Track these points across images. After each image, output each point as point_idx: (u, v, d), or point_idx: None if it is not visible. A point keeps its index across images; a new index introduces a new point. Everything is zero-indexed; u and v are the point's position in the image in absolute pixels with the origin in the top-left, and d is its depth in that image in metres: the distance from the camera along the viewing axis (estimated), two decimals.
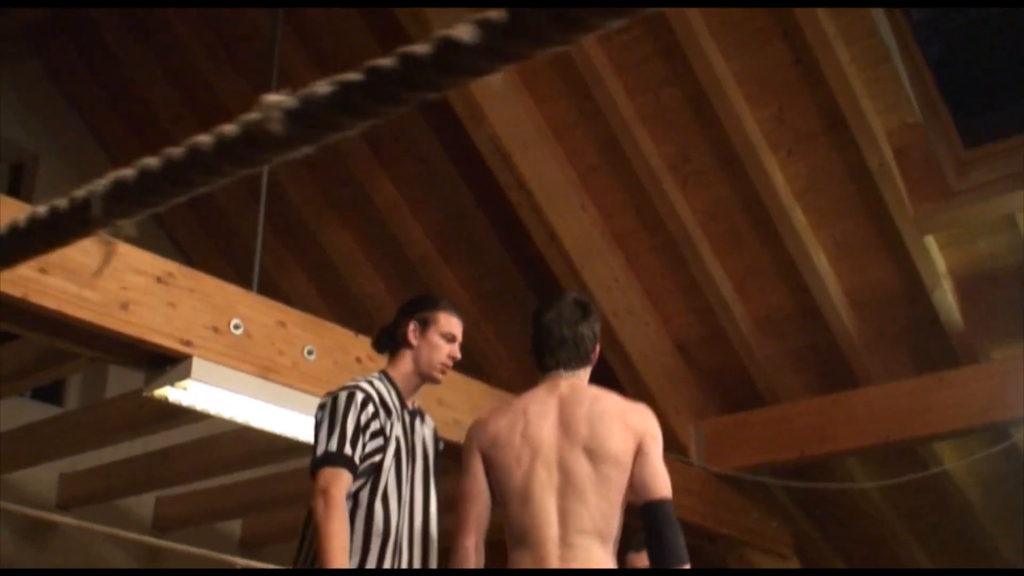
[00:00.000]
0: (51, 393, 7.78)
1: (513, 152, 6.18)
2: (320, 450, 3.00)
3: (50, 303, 3.98)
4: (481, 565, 3.06)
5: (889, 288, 6.51)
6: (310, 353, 4.85)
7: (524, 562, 2.97)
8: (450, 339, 3.28)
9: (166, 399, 4.72)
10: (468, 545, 3.03)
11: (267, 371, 4.70)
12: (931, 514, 7.62)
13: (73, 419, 6.81)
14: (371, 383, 3.18)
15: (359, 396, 3.07)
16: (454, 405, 5.47)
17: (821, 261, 6.44)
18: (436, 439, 3.32)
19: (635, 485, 3.06)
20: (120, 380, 7.08)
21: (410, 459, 3.15)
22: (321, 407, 3.13)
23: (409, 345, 3.24)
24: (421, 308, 3.30)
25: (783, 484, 7.28)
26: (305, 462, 3.57)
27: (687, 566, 3.05)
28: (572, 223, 6.54)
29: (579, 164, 6.59)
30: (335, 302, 7.88)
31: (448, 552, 3.10)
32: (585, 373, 3.22)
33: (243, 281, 5.15)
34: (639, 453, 3.08)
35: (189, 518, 7.84)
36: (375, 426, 3.07)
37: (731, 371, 7.06)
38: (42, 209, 1.03)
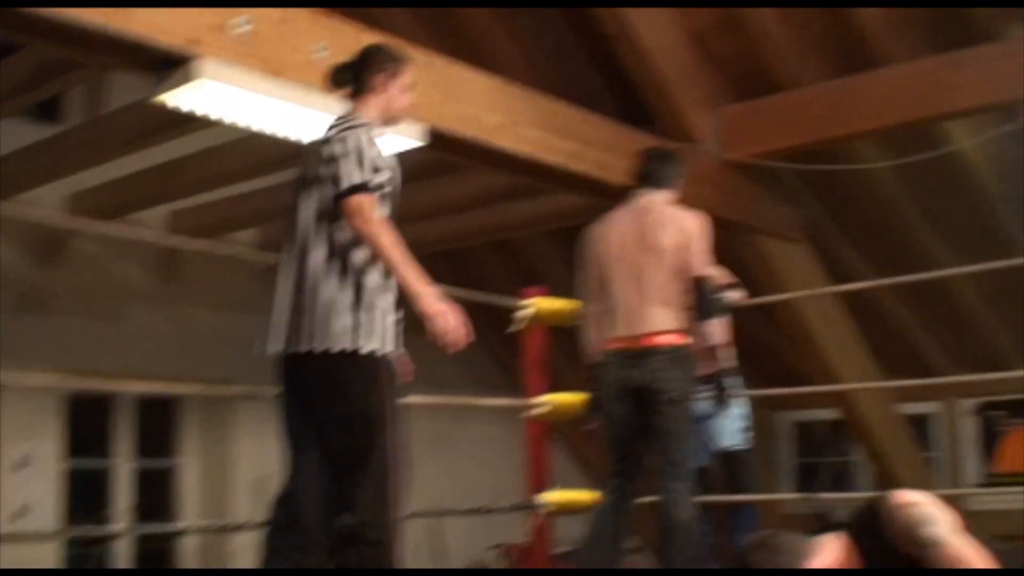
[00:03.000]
0: (49, 111, 7.58)
1: None
2: (350, 180, 3.28)
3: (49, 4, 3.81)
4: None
5: None
6: (323, 50, 4.69)
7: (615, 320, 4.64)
8: (410, 89, 3.65)
9: (175, 105, 4.58)
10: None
11: (278, 70, 4.55)
12: (942, 196, 7.66)
13: (78, 135, 6.68)
14: (368, 124, 3.46)
15: (367, 134, 3.38)
16: (471, 101, 5.36)
17: None
18: None
19: (683, 267, 4.54)
20: (120, 95, 6.86)
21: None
22: (340, 140, 3.36)
23: (380, 92, 3.55)
24: (389, 59, 3.60)
25: (797, 168, 7.26)
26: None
27: (714, 319, 4.59)
28: None
29: None
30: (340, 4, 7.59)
31: None
32: (660, 194, 4.73)
33: None
34: (686, 247, 4.55)
35: (204, 228, 7.85)
36: (383, 164, 3.38)
37: (747, 58, 6.90)
38: None
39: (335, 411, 3.31)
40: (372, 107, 3.55)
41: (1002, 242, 7.61)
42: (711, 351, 5.39)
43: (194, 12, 4.27)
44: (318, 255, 3.36)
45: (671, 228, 4.57)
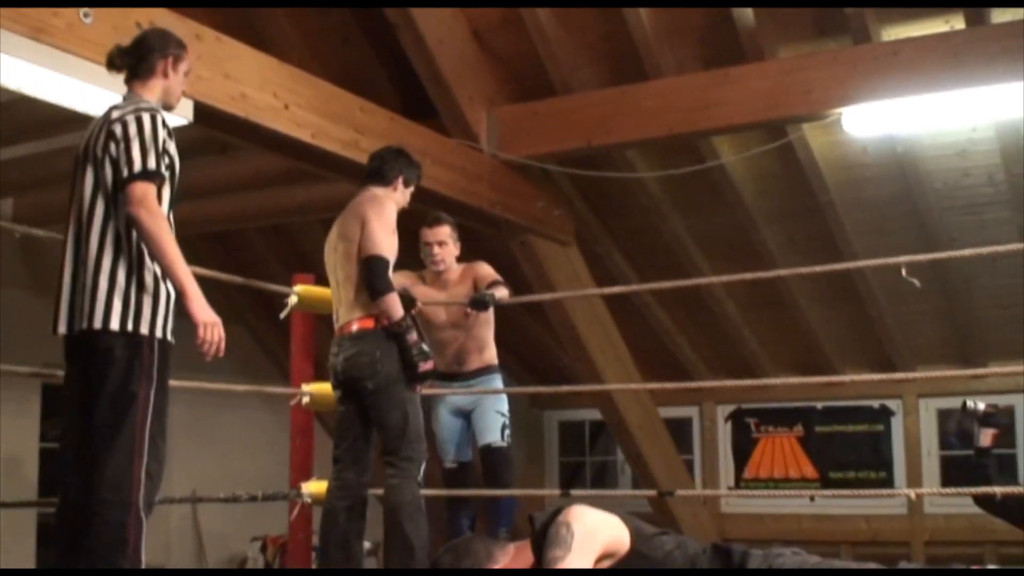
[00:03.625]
0: None
1: None
2: (134, 166, 3.29)
3: None
4: None
5: None
6: (86, 16, 4.51)
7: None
8: (188, 74, 3.72)
9: None
10: None
11: (39, 32, 4.35)
12: (706, 207, 7.97)
13: None
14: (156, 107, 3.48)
15: (159, 118, 3.39)
16: (242, 79, 5.25)
17: None
18: None
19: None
20: None
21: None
22: (124, 123, 3.35)
23: (164, 77, 3.59)
24: (172, 45, 3.63)
25: (568, 172, 7.44)
26: (77, 137, 3.55)
27: (380, 295, 4.51)
28: None
29: None
30: None
31: None
32: (379, 189, 4.79)
33: None
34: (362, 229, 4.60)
35: None
36: (169, 147, 3.42)
37: (525, 59, 7.02)
38: None
39: (93, 388, 3.31)
40: (154, 91, 3.57)
41: (759, 255, 7.98)
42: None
43: None
44: (94, 236, 3.35)
45: (361, 217, 4.64)
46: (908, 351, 8.81)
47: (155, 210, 3.27)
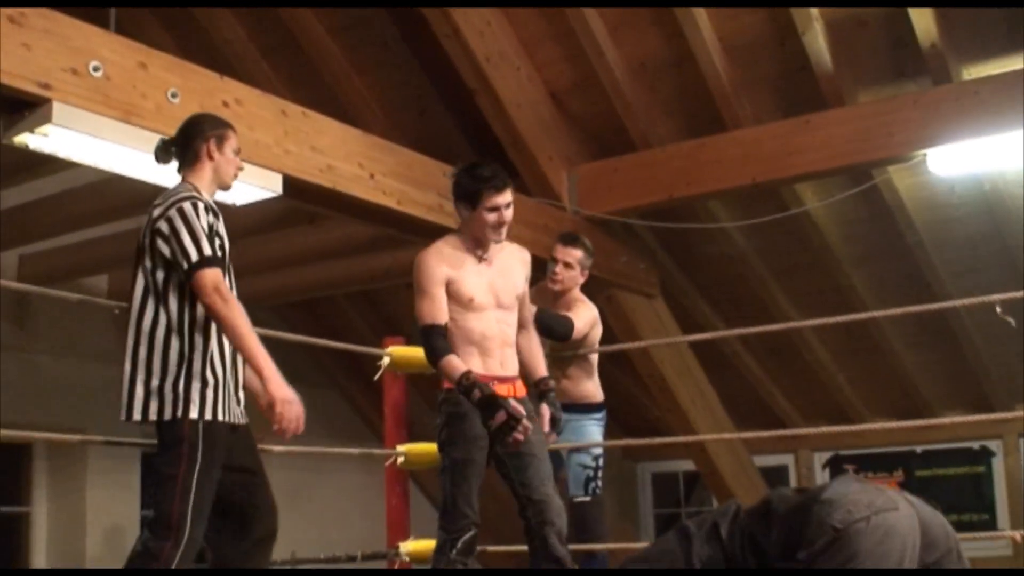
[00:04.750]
0: None
1: None
2: (191, 257, 3.36)
3: None
4: None
5: (761, 32, 6.53)
6: (174, 96, 4.67)
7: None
8: (238, 152, 3.76)
9: (25, 146, 4.51)
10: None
11: (129, 115, 4.52)
12: (792, 254, 7.92)
13: None
14: (197, 192, 3.53)
15: (200, 204, 3.45)
16: (328, 152, 5.38)
17: (696, 7, 6.40)
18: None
19: None
20: None
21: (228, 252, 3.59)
22: (168, 219, 3.42)
23: (211, 159, 3.64)
24: (215, 126, 3.70)
25: (650, 225, 7.45)
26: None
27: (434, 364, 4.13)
28: None
29: None
30: (194, 51, 7.57)
31: None
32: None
33: (100, 22, 4.88)
34: None
35: (54, 273, 7.68)
36: (218, 228, 3.48)
37: (603, 117, 7.08)
38: None
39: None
40: (202, 175, 3.64)
41: (849, 300, 7.90)
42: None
43: (48, 55, 4.23)
44: (143, 326, 3.46)
45: None
46: (1006, 391, 8.61)
47: (227, 296, 3.34)
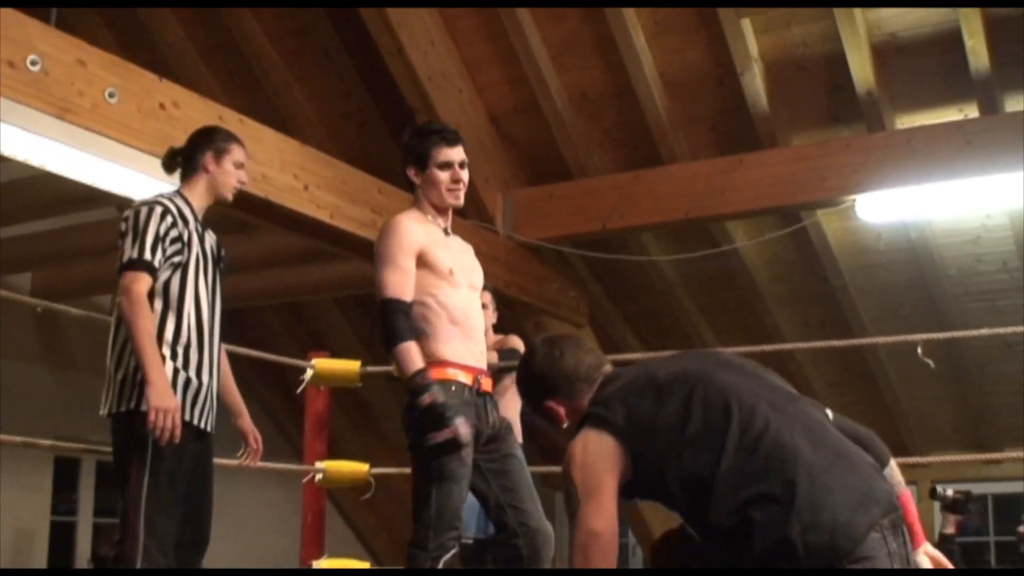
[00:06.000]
0: None
1: None
2: (124, 257, 3.40)
3: None
4: None
5: (702, 69, 6.61)
6: (111, 95, 4.60)
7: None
8: (240, 166, 3.71)
9: None
10: None
11: (65, 112, 4.43)
12: (719, 291, 7.99)
13: None
14: (170, 199, 3.55)
15: (158, 209, 3.46)
16: (263, 160, 5.33)
17: (639, 38, 6.46)
18: (219, 246, 3.72)
19: None
20: None
21: (205, 264, 3.59)
22: (124, 219, 3.48)
23: (206, 171, 3.64)
24: (216, 139, 3.71)
25: (583, 255, 7.48)
26: (103, 213, 3.60)
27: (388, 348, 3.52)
28: None
29: None
30: (135, 51, 7.47)
31: None
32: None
33: (40, 16, 4.80)
34: None
35: None
36: (174, 234, 3.47)
37: (541, 143, 7.11)
38: None
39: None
40: (195, 186, 3.65)
41: (772, 339, 7.97)
42: None
43: None
44: (112, 326, 3.50)
45: None
46: (922, 436, 8.76)
47: (135, 298, 3.35)
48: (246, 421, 3.93)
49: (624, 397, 2.52)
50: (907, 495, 2.65)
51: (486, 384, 3.66)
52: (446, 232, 3.73)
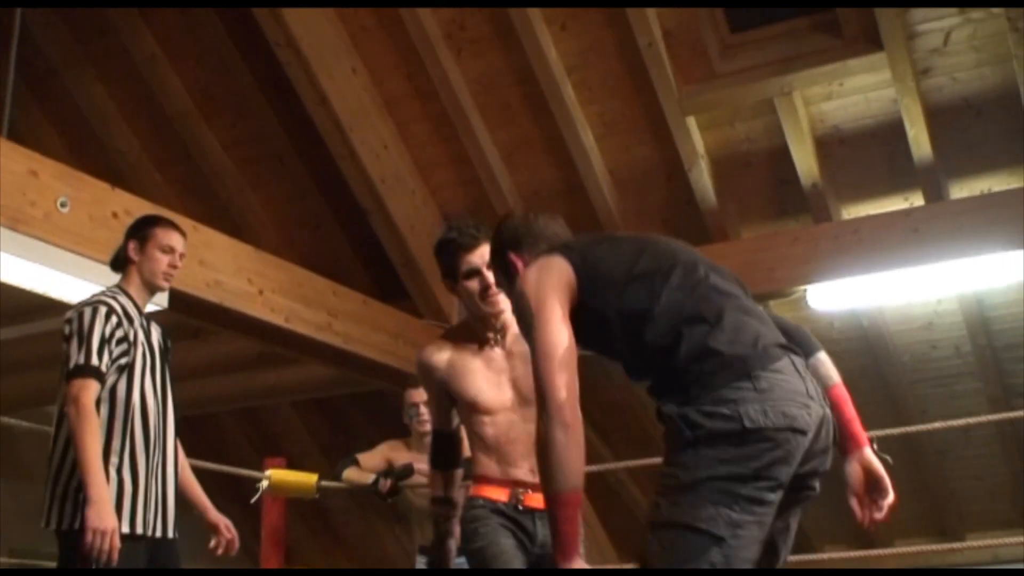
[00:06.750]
0: None
1: (281, 6, 5.98)
2: (71, 363, 3.32)
3: None
4: None
5: (650, 166, 6.71)
6: (63, 205, 4.61)
7: None
8: (167, 250, 3.65)
9: None
10: None
11: (17, 222, 4.44)
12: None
13: None
14: (113, 296, 3.51)
15: (103, 309, 3.41)
16: (217, 266, 5.33)
17: (588, 138, 6.57)
18: (165, 339, 3.70)
19: None
20: None
21: (152, 360, 3.52)
22: (68, 321, 3.42)
23: (132, 261, 3.62)
24: (140, 228, 3.67)
25: None
26: (55, 323, 3.59)
27: None
28: (342, 85, 6.41)
29: (351, 24, 6.44)
30: (87, 159, 7.49)
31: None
32: None
33: None
34: None
35: None
36: (120, 334, 3.41)
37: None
38: None
39: None
40: (131, 278, 3.61)
41: None
42: None
43: None
44: (57, 430, 3.41)
45: None
46: (884, 526, 8.72)
47: (82, 409, 3.25)
48: (212, 513, 3.84)
49: (580, 246, 2.67)
50: (841, 389, 2.79)
51: (532, 500, 3.25)
52: (489, 347, 3.40)
